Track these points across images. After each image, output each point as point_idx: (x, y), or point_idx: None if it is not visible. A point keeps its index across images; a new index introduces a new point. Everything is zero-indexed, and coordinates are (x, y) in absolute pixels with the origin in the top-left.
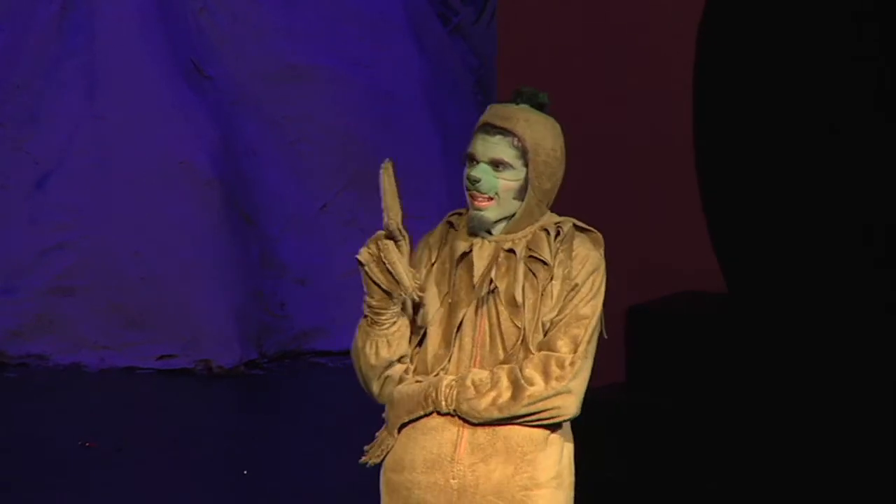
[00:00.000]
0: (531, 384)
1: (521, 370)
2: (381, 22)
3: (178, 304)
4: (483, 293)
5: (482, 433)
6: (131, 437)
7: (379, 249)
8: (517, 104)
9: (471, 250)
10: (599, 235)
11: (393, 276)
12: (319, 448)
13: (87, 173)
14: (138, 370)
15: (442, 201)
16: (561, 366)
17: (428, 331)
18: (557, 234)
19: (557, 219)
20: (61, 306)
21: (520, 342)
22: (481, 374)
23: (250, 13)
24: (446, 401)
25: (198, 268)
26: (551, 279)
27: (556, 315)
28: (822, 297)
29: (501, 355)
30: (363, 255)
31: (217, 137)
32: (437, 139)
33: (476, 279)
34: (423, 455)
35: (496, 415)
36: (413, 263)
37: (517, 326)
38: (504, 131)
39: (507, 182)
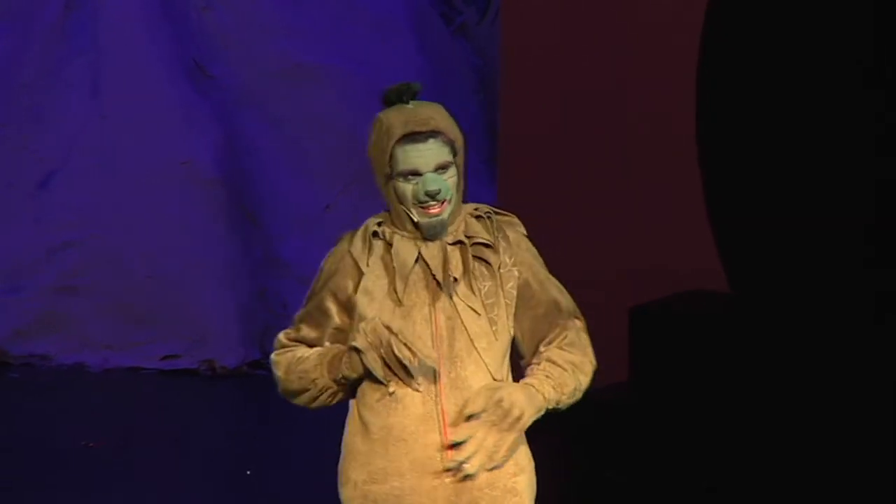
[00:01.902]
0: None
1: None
2: (385, 21)
3: (182, 304)
4: (447, 290)
5: (464, 430)
6: (134, 437)
7: (380, 339)
8: (408, 103)
9: (419, 254)
10: (515, 218)
11: (395, 364)
12: (322, 448)
13: (92, 173)
14: (142, 370)
15: None
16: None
17: None
18: (489, 218)
19: (475, 205)
20: (65, 306)
21: (496, 322)
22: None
23: (254, 12)
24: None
25: (201, 267)
26: (499, 265)
27: (534, 302)
28: (824, 296)
29: (461, 345)
30: (360, 342)
31: (221, 137)
32: None
33: (440, 278)
34: (408, 460)
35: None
36: (328, 273)
37: (477, 313)
38: (432, 134)
39: (452, 180)
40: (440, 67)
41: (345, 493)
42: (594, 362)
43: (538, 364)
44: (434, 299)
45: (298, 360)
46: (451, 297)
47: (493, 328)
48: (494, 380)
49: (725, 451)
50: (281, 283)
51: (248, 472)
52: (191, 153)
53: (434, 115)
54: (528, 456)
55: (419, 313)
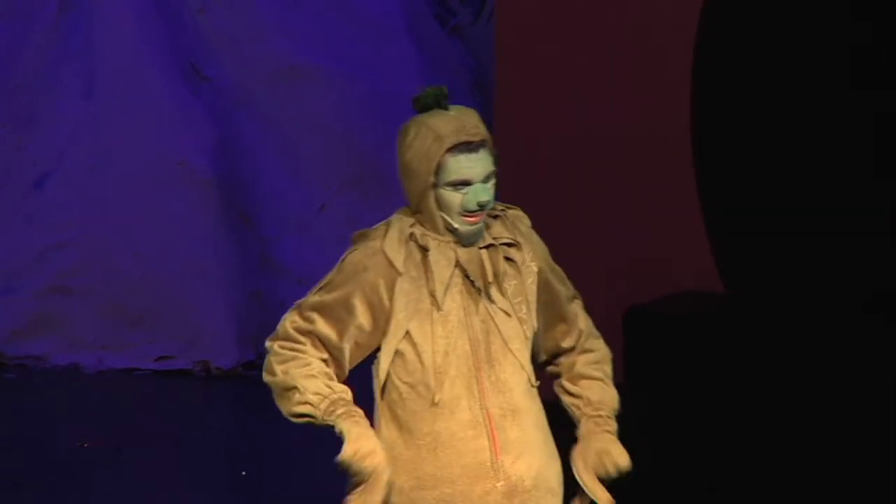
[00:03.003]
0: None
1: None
2: (380, 23)
3: (177, 305)
4: (485, 294)
5: (512, 429)
6: (129, 437)
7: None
8: (446, 109)
9: (457, 260)
10: (520, 209)
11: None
12: (318, 450)
13: (86, 174)
14: (137, 371)
15: None
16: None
17: (415, 342)
18: (504, 215)
19: None
20: (60, 307)
21: (523, 322)
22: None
23: (249, 14)
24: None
25: (196, 268)
26: (522, 261)
27: (546, 293)
28: (820, 296)
29: (496, 347)
30: (347, 456)
31: (215, 138)
32: None
33: (480, 284)
34: (459, 466)
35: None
36: (357, 268)
37: (508, 315)
38: (482, 143)
39: (492, 189)
40: (435, 68)
41: (389, 499)
42: (602, 340)
43: (587, 403)
44: (467, 303)
45: (307, 377)
46: (488, 301)
47: (523, 327)
48: (529, 380)
49: (721, 451)
50: (276, 284)
51: (244, 473)
52: (186, 154)
53: (479, 123)
54: (558, 456)
55: (455, 317)
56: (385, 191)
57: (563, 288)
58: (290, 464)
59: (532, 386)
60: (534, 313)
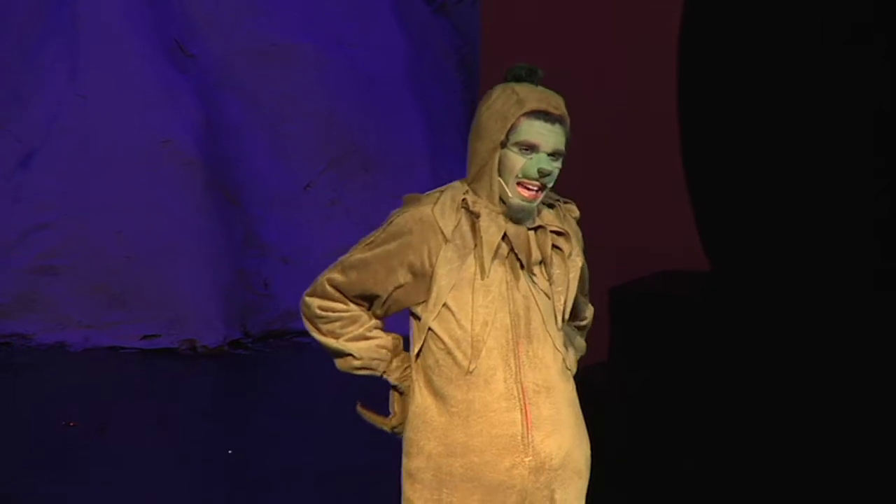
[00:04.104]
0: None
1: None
2: (365, 2)
3: (162, 284)
4: (528, 270)
5: (545, 406)
6: (115, 416)
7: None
8: (536, 85)
9: (504, 234)
10: (573, 204)
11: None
12: (304, 427)
13: (70, 153)
14: (122, 349)
15: (425, 180)
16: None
17: (454, 309)
18: (557, 206)
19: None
20: (44, 285)
21: (559, 311)
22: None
23: None
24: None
25: (181, 247)
26: (569, 253)
27: (579, 287)
28: (806, 277)
29: (536, 325)
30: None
31: (200, 117)
32: (420, 119)
33: (524, 259)
34: (490, 436)
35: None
36: (403, 230)
37: (548, 297)
38: (561, 119)
39: (558, 171)
40: (421, 47)
41: (415, 463)
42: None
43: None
44: (510, 277)
45: (360, 337)
46: (530, 277)
47: (558, 317)
48: (565, 361)
49: (707, 431)
50: (261, 263)
51: (230, 452)
52: (171, 133)
53: (563, 104)
54: (588, 439)
55: (497, 289)
56: (370, 170)
57: (584, 295)
58: (276, 442)
59: (568, 369)
60: (569, 307)
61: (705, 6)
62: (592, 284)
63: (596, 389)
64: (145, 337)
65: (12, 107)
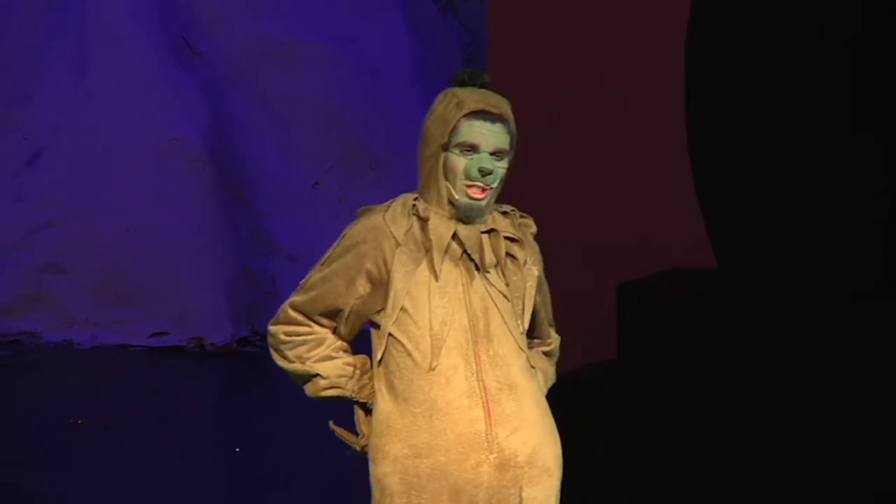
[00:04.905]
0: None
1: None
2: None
3: (170, 282)
4: (483, 270)
5: (508, 403)
6: (123, 413)
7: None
8: (479, 87)
9: (455, 235)
10: (531, 220)
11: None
12: (311, 425)
13: (78, 150)
14: (130, 347)
15: None
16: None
17: (411, 311)
18: (513, 215)
19: (498, 204)
20: (52, 283)
21: (519, 314)
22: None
23: None
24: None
25: (189, 245)
26: (524, 261)
27: (539, 300)
28: (809, 274)
29: (495, 325)
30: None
31: (208, 115)
32: None
33: (476, 258)
34: (454, 434)
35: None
36: (357, 240)
37: (507, 298)
38: (501, 119)
39: (502, 170)
40: (428, 44)
41: (381, 468)
42: (554, 378)
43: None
44: (465, 279)
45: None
46: (485, 278)
47: (518, 321)
48: (528, 360)
49: (712, 427)
50: (268, 261)
51: (238, 449)
52: (178, 131)
53: (505, 104)
54: (558, 437)
55: (453, 290)
56: (377, 168)
57: (545, 309)
58: (284, 440)
59: (531, 367)
60: (528, 314)
61: (718, 5)
62: (592, 284)
63: (596, 389)
64: (153, 335)
65: (19, 105)
